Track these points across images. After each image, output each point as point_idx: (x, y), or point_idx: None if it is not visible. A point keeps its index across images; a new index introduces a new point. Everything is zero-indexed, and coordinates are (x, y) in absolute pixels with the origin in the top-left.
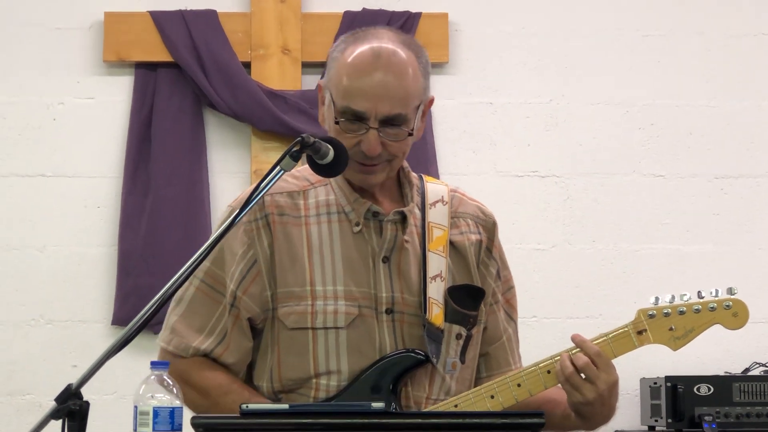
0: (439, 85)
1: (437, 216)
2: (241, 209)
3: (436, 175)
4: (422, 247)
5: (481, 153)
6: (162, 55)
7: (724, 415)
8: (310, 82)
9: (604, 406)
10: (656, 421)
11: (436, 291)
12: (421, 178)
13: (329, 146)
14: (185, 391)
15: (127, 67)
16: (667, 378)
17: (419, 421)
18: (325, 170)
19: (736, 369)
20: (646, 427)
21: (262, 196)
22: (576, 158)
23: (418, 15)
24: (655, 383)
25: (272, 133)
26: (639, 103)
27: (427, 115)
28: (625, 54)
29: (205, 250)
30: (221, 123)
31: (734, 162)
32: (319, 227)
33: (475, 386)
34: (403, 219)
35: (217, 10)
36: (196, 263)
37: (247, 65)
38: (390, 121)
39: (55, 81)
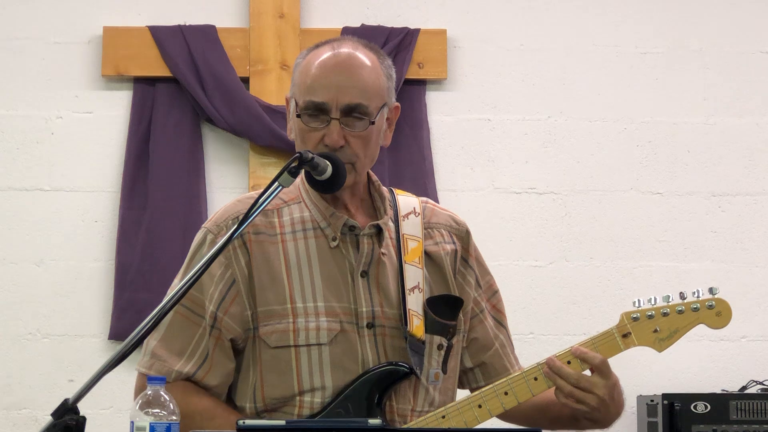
0: (437, 102)
1: (411, 227)
2: (238, 226)
3: (434, 192)
4: (399, 259)
5: (479, 169)
6: (160, 70)
7: None
8: None
9: (610, 408)
10: None
11: (415, 303)
12: (391, 191)
13: (327, 162)
14: None
15: (126, 82)
16: (664, 395)
17: None
18: (323, 186)
19: (733, 387)
20: None
21: (227, 214)
22: (574, 175)
23: (416, 31)
24: (652, 401)
25: (270, 148)
26: (637, 120)
27: (393, 125)
28: (624, 71)
29: (201, 267)
30: (219, 138)
31: (732, 180)
32: (295, 244)
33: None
34: (379, 232)
35: (216, 26)
36: (192, 281)
37: (246, 80)
38: (351, 111)
39: (53, 95)
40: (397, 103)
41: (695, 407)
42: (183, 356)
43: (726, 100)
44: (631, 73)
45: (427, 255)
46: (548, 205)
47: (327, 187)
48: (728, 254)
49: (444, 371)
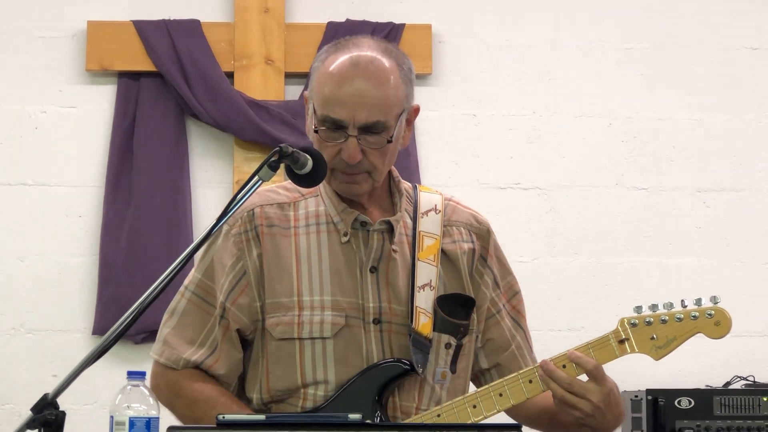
0: (422, 97)
1: (429, 225)
2: (219, 219)
3: None
4: (412, 256)
5: (463, 164)
6: (145, 65)
7: (704, 428)
8: (294, 92)
9: (606, 415)
10: None
11: (424, 300)
12: (415, 188)
13: (308, 156)
14: (175, 403)
15: (110, 76)
16: (648, 391)
17: None
18: (303, 180)
19: (717, 382)
20: None
21: (243, 206)
22: (559, 170)
23: (401, 26)
24: (636, 396)
25: (255, 143)
26: (622, 115)
27: (413, 124)
28: (609, 67)
29: (182, 260)
30: (204, 133)
31: (717, 175)
32: (308, 238)
33: None
34: (391, 228)
35: (201, 20)
36: (172, 274)
37: (231, 75)
38: (369, 129)
39: (37, 89)
40: (417, 105)
41: (679, 403)
42: (193, 345)
43: (711, 96)
44: (616, 69)
45: (444, 253)
46: (533, 201)
47: (308, 182)
48: (713, 250)
49: (453, 371)
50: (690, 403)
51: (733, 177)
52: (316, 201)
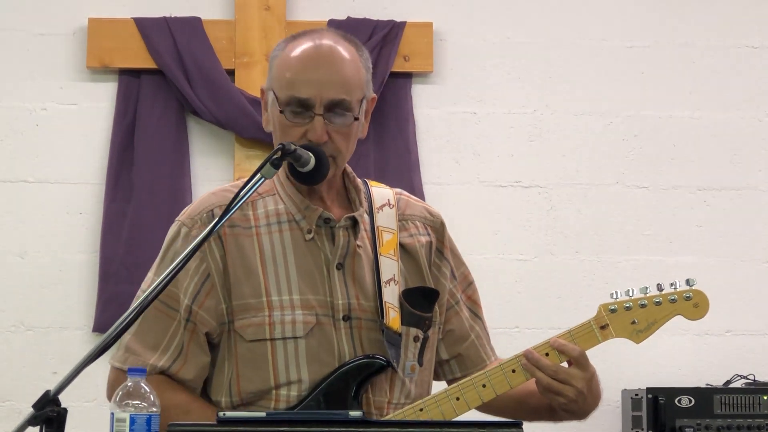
0: (423, 95)
1: (385, 219)
2: (221, 217)
3: (419, 185)
4: (374, 251)
5: (464, 163)
6: (146, 62)
7: (705, 427)
8: None
9: (587, 399)
10: None
11: (391, 295)
12: (365, 183)
13: (310, 154)
14: None
15: (111, 74)
16: (649, 390)
17: (397, 429)
18: (305, 178)
19: (718, 381)
20: None
21: (201, 207)
22: (559, 169)
23: (402, 24)
24: (637, 395)
25: (255, 140)
26: (623, 114)
27: (370, 116)
28: (610, 65)
29: (183, 258)
30: (204, 130)
31: (717, 174)
32: (270, 237)
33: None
34: (354, 224)
35: (202, 18)
36: (173, 272)
37: (231, 73)
38: (335, 107)
39: (38, 87)
40: (374, 95)
41: (679, 401)
42: (157, 350)
43: (712, 95)
44: (617, 67)
45: (402, 247)
46: (534, 199)
47: (310, 179)
48: (713, 248)
49: (420, 363)
50: (690, 401)
51: (734, 176)
52: (274, 200)
